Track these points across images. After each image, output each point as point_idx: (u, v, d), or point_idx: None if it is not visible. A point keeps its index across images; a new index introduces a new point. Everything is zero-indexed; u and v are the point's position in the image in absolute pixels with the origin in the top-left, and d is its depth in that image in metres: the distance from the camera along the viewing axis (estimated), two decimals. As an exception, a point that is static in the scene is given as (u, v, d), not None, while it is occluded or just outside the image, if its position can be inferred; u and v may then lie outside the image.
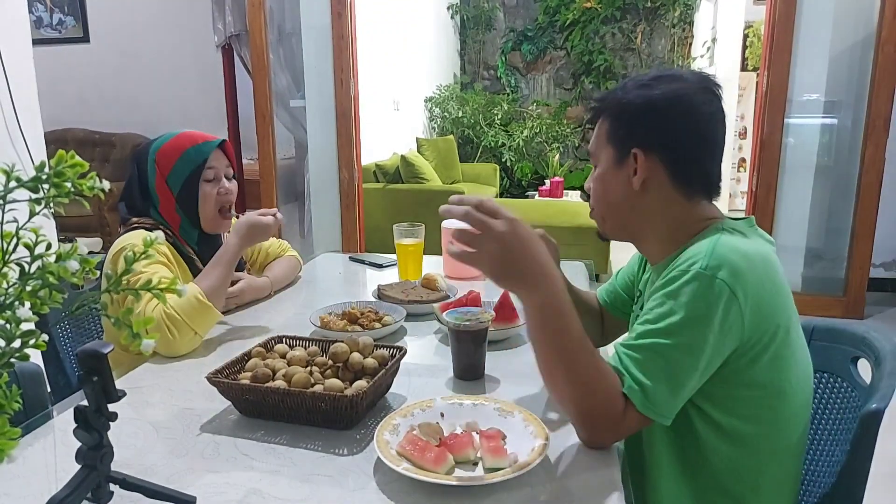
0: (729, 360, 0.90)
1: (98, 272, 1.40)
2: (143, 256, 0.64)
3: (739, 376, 0.92)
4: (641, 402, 0.87)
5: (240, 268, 1.58)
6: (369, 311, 1.42)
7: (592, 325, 1.32)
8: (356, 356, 1.06)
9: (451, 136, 6.55)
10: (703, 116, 0.99)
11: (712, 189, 1.03)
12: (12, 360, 0.55)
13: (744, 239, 0.96)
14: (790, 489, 1.00)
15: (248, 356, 1.12)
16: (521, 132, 7.00)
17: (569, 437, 0.95)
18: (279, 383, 1.00)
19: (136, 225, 1.42)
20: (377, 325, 1.36)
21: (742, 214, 4.46)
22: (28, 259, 0.56)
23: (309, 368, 1.07)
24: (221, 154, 1.48)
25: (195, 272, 1.45)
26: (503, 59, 7.68)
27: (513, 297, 1.37)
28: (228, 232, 1.60)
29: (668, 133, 1.00)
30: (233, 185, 1.50)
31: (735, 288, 0.87)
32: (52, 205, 0.55)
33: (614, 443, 0.92)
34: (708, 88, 1.01)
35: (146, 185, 1.44)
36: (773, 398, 0.94)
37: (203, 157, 1.43)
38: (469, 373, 1.15)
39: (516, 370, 1.19)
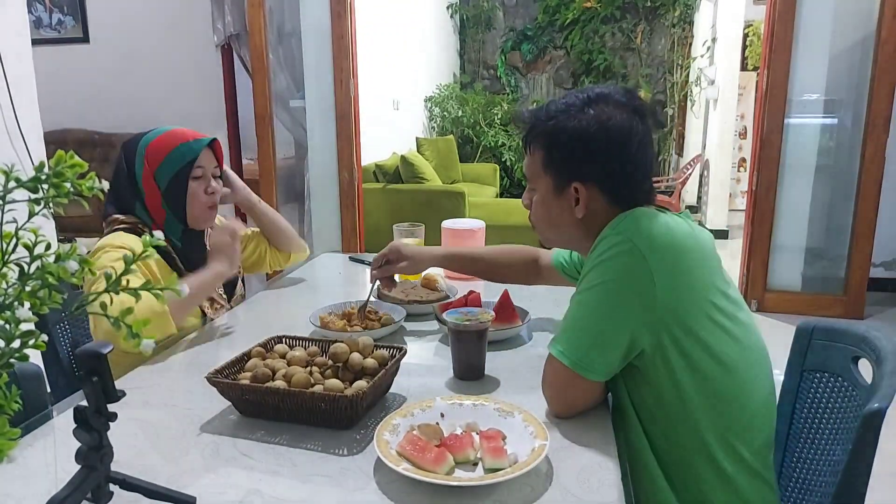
0: (659, 322, 0.94)
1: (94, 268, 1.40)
2: (144, 256, 0.64)
3: (674, 344, 0.95)
4: (570, 361, 0.96)
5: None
6: (369, 311, 1.42)
7: (514, 271, 1.50)
8: (356, 356, 1.06)
9: (451, 136, 6.55)
10: (634, 142, 1.03)
11: (648, 198, 1.08)
12: (12, 360, 0.55)
13: (665, 213, 1.01)
14: (756, 467, 1.01)
15: (247, 356, 1.12)
16: (521, 132, 6.99)
17: (569, 437, 0.95)
18: (279, 383, 1.00)
19: (118, 227, 1.42)
20: (377, 325, 1.36)
21: (741, 214, 4.44)
22: (27, 259, 0.56)
23: (309, 368, 1.06)
24: (210, 153, 1.48)
25: (176, 269, 1.45)
26: (503, 58, 7.68)
27: (511, 297, 1.38)
28: (212, 228, 1.59)
29: (602, 163, 1.04)
30: (219, 185, 1.50)
31: (638, 242, 0.94)
32: (51, 205, 0.55)
33: (570, 408, 1.00)
34: (636, 110, 1.05)
35: (134, 177, 1.43)
36: (710, 374, 0.97)
37: (193, 154, 1.43)
38: (469, 373, 1.15)
39: (516, 370, 1.19)
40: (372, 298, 1.57)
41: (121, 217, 1.43)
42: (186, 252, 1.48)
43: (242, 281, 1.64)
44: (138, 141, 1.45)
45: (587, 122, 1.03)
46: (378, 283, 1.47)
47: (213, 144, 1.49)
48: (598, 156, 1.04)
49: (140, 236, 1.38)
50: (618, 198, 1.06)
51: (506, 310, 1.35)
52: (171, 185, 1.43)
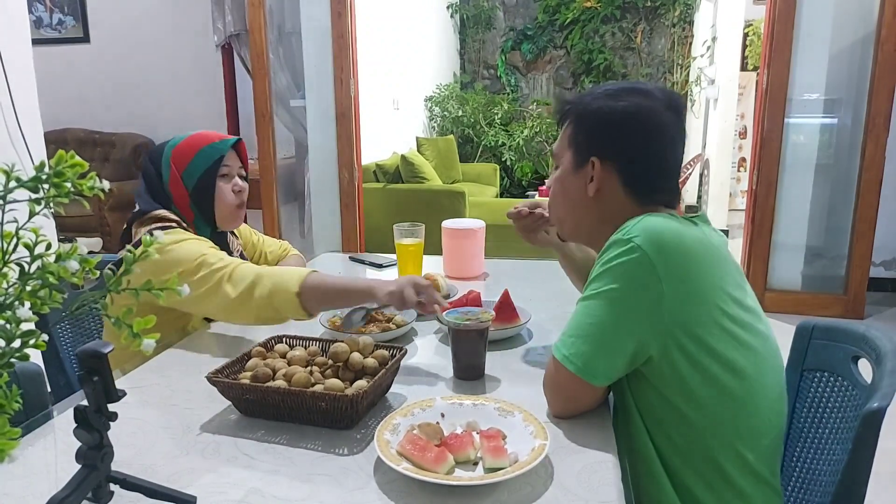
0: (666, 330, 0.93)
1: (98, 272, 1.40)
2: (144, 255, 0.64)
3: (681, 351, 0.94)
4: (574, 367, 0.96)
5: None
6: (377, 312, 1.41)
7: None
8: (356, 356, 1.06)
9: (451, 136, 6.55)
10: (662, 136, 1.04)
11: (668, 201, 1.07)
12: (12, 360, 0.55)
13: (676, 220, 1.00)
14: (762, 473, 1.00)
15: (248, 356, 1.12)
16: (522, 132, 7.00)
17: (569, 436, 0.95)
18: (279, 383, 1.00)
19: (155, 226, 1.39)
20: (392, 326, 1.36)
21: (741, 214, 4.44)
22: (28, 259, 0.56)
23: (309, 368, 1.07)
24: (235, 154, 1.49)
25: None
26: (503, 58, 7.68)
27: (511, 297, 1.38)
28: (242, 224, 1.60)
29: (625, 146, 1.05)
30: (245, 185, 1.51)
31: (648, 249, 0.93)
32: (51, 205, 0.55)
33: (571, 411, 1.00)
34: (672, 107, 1.04)
35: (162, 182, 1.45)
36: (718, 380, 0.95)
37: (219, 154, 1.44)
38: (469, 372, 1.15)
39: (516, 370, 1.19)
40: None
41: (158, 213, 1.41)
42: None
43: None
44: (164, 146, 1.46)
45: (618, 105, 1.04)
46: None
47: (237, 145, 1.49)
48: (623, 135, 1.04)
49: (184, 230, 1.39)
50: (634, 187, 1.05)
51: (506, 310, 1.35)
52: (198, 186, 1.43)
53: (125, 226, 1.46)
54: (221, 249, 1.49)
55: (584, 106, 1.08)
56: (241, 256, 1.59)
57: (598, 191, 1.06)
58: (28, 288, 0.55)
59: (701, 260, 0.97)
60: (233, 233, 1.63)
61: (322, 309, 1.32)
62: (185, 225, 1.43)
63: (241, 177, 1.50)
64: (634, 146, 1.04)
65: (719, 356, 0.95)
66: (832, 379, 1.10)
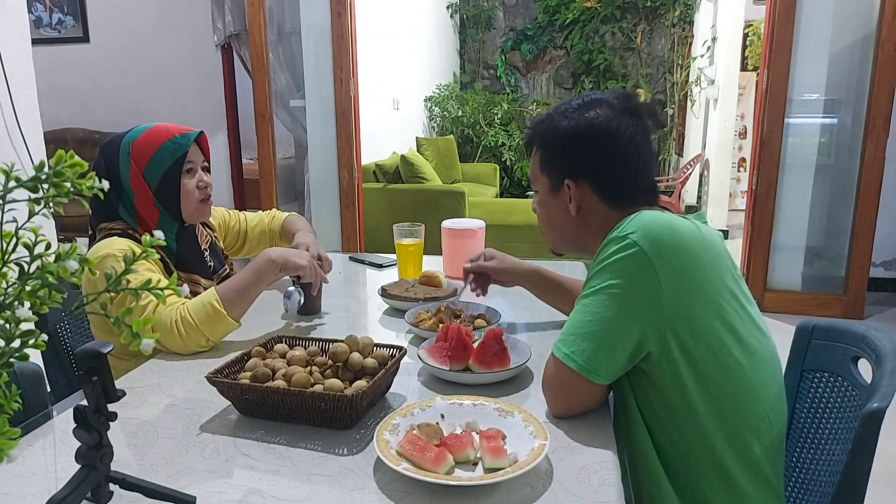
0: (665, 323, 0.94)
1: (98, 272, 1.39)
2: (142, 257, 0.64)
3: (680, 346, 0.95)
4: (576, 365, 0.96)
5: (219, 265, 1.57)
6: (457, 312, 1.40)
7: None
8: (356, 356, 1.06)
9: (451, 136, 6.55)
10: (622, 141, 1.06)
11: (647, 199, 1.09)
12: (12, 359, 0.55)
13: (671, 215, 1.01)
14: (764, 472, 1.00)
15: (247, 356, 1.12)
16: (521, 132, 7.00)
17: (569, 436, 0.95)
18: (279, 383, 1.00)
19: (108, 231, 1.38)
20: (483, 322, 1.35)
21: (741, 214, 4.43)
22: (27, 259, 0.56)
23: (309, 368, 1.07)
24: (197, 147, 1.45)
25: (168, 272, 1.41)
26: (503, 58, 7.68)
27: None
28: (208, 220, 1.57)
29: (592, 162, 1.08)
30: (209, 179, 1.47)
31: (644, 244, 0.94)
32: (51, 204, 0.55)
33: (571, 411, 1.00)
34: (628, 111, 1.08)
35: (118, 180, 1.39)
36: (715, 374, 0.96)
37: (183, 150, 1.40)
38: (308, 309, 1.48)
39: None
40: (421, 297, 1.55)
41: (109, 224, 1.40)
42: (181, 252, 1.45)
43: None
44: (119, 142, 1.40)
45: (577, 122, 1.09)
46: (470, 283, 1.44)
47: (198, 138, 1.45)
48: (585, 153, 1.08)
49: (131, 239, 1.36)
50: (611, 196, 1.09)
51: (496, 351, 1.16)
52: (162, 183, 1.39)
53: (90, 231, 1.42)
54: (190, 246, 1.48)
55: (545, 131, 1.13)
56: (212, 247, 1.56)
57: (579, 208, 1.11)
58: (28, 288, 0.55)
59: (696, 253, 0.98)
60: (205, 225, 1.60)
61: (245, 305, 1.34)
62: (130, 232, 1.38)
63: (203, 169, 1.46)
64: (600, 160, 1.08)
65: (716, 351, 0.96)
66: (832, 379, 1.10)
